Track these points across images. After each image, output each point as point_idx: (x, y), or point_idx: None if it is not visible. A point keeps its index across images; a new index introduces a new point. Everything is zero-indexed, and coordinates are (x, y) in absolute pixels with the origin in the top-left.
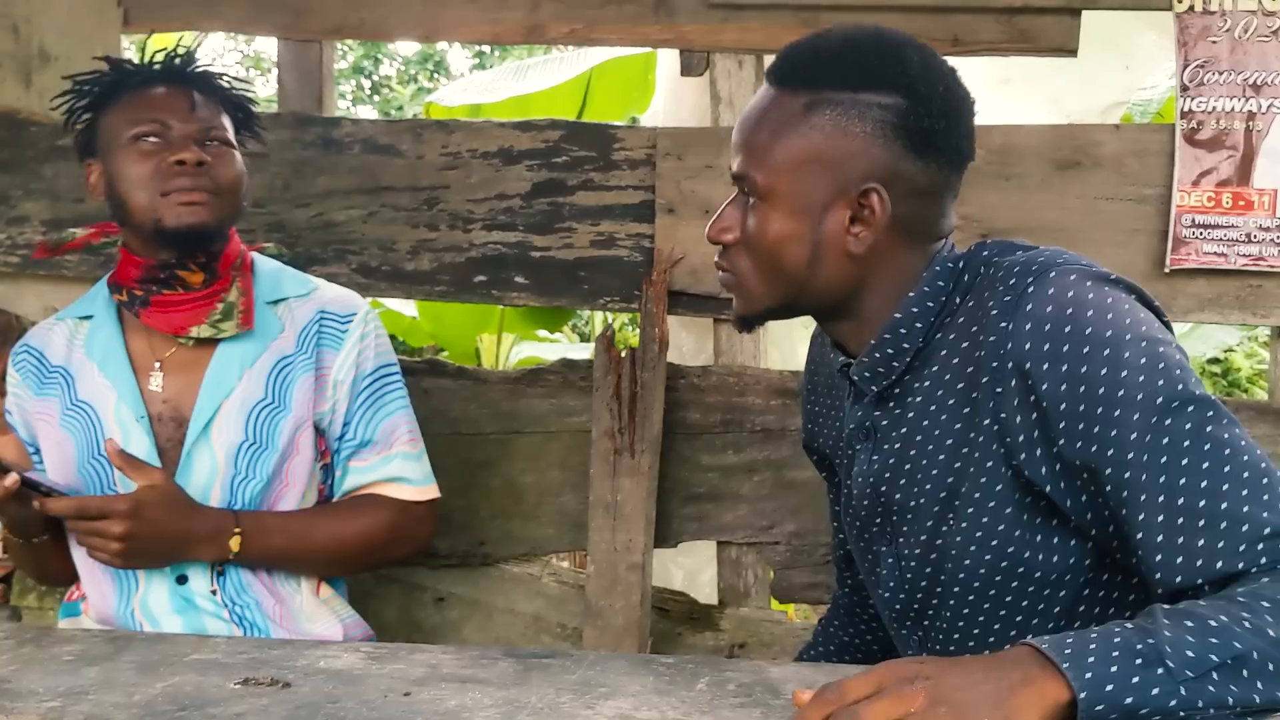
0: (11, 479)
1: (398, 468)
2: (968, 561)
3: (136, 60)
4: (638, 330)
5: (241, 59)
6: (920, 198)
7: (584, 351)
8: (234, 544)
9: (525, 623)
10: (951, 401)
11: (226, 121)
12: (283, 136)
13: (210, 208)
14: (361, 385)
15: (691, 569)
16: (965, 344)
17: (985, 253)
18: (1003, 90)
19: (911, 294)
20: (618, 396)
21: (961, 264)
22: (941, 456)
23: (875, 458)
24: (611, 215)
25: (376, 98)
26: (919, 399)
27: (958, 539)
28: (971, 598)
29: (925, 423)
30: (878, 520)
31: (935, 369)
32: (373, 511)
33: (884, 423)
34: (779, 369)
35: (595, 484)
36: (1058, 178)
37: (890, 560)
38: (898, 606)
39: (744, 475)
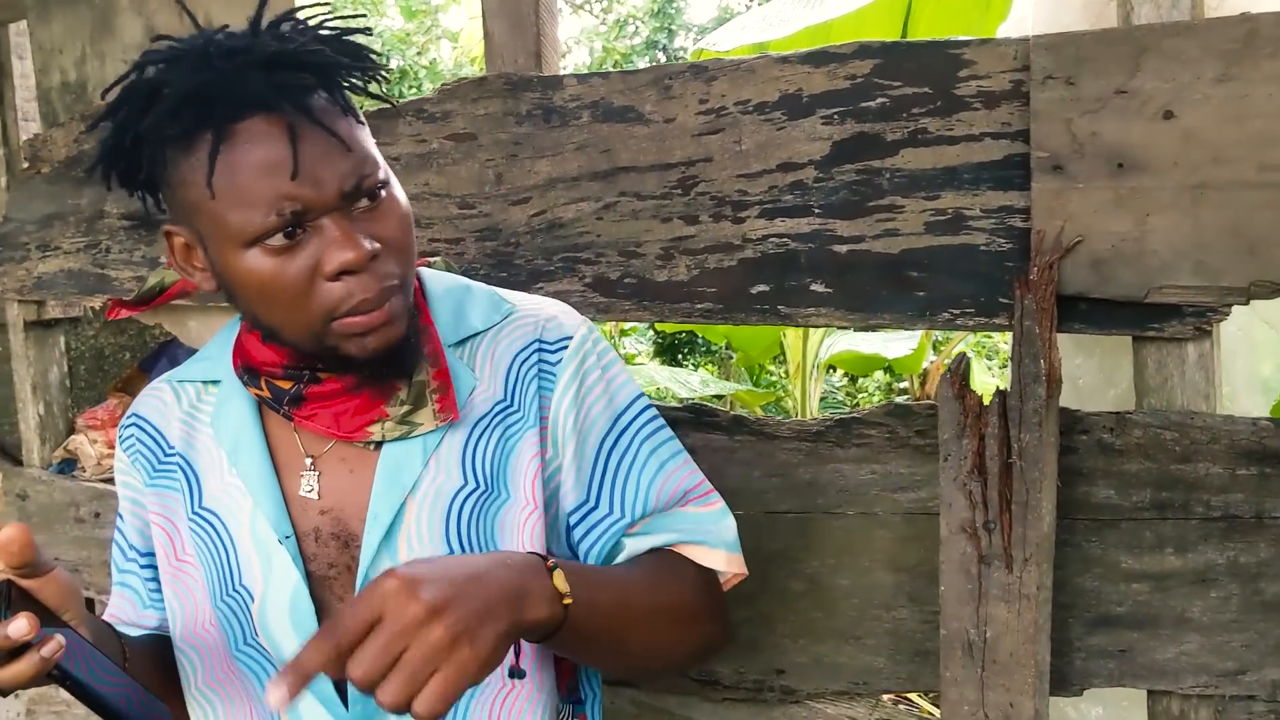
0: (51, 647)
1: (693, 526)
2: None
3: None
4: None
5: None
6: None
7: (909, 342)
8: (559, 581)
9: None
10: None
11: (364, 130)
12: (492, 110)
13: (401, 317)
14: (605, 442)
15: None
16: None
17: None
18: None
19: None
20: (980, 471)
21: None
22: None
23: None
24: (958, 182)
25: None
26: None
27: None
28: None
29: None
30: None
31: None
32: (680, 568)
33: None
34: (1247, 415)
35: (949, 609)
36: None
37: None
38: None
39: (1193, 588)
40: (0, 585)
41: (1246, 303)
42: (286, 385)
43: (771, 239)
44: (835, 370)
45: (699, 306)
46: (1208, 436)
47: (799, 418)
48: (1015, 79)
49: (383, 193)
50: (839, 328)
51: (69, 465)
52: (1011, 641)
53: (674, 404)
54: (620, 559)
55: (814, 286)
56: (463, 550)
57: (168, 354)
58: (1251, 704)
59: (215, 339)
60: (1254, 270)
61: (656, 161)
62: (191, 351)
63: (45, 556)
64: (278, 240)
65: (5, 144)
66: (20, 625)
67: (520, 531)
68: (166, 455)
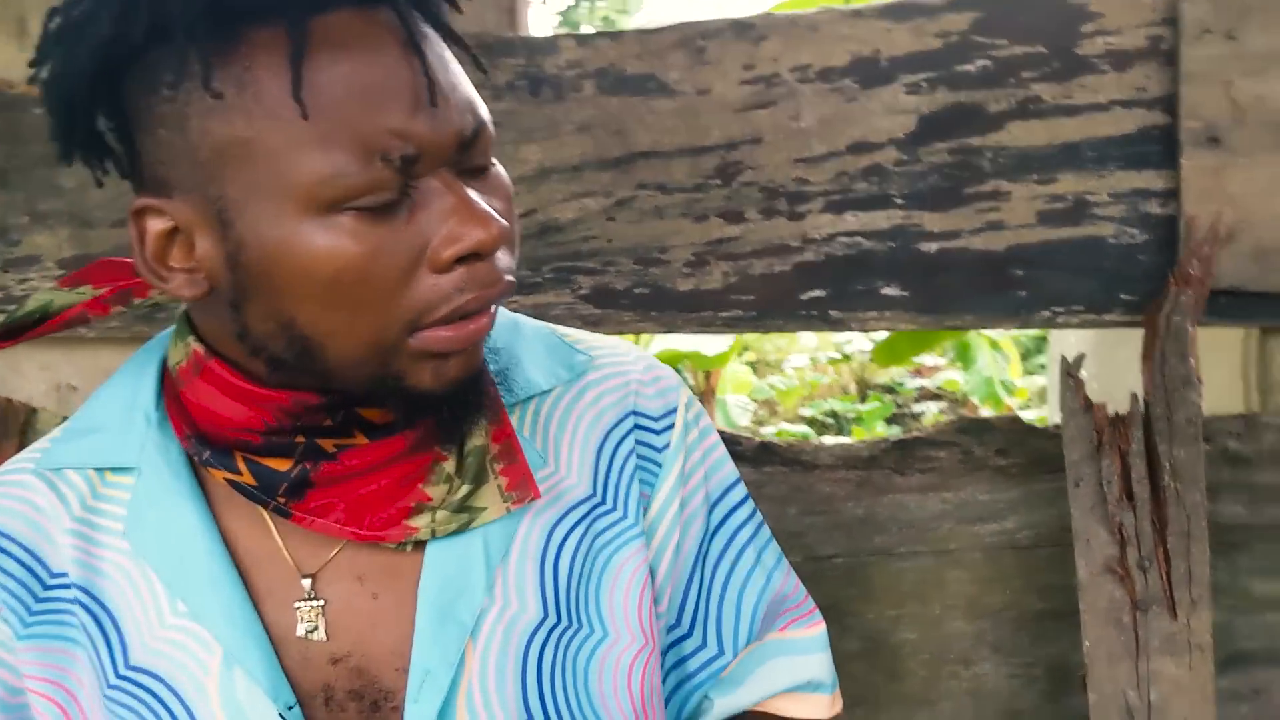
0: None
1: (797, 666)
2: None
3: None
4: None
5: None
6: None
7: (726, 340)
8: None
9: None
10: None
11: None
12: None
13: (487, 332)
14: (702, 547)
15: None
16: None
17: None
18: None
19: None
20: (1128, 497)
21: None
22: None
23: None
24: (1080, 161)
25: None
26: None
27: None
28: None
29: None
30: None
31: None
32: None
33: None
34: None
35: (1099, 670)
36: None
37: None
38: None
39: None
40: None
41: None
42: (281, 465)
43: (840, 238)
44: None
45: (723, 315)
46: None
47: (841, 440)
48: (1154, 34)
49: (494, 165)
50: (907, 330)
51: None
52: (1185, 703)
53: None
54: None
55: (886, 290)
56: (554, 712)
57: None
58: None
59: (99, 396)
60: None
61: (687, 145)
62: None
63: None
64: (375, 200)
65: None
66: None
67: (630, 681)
68: (47, 588)
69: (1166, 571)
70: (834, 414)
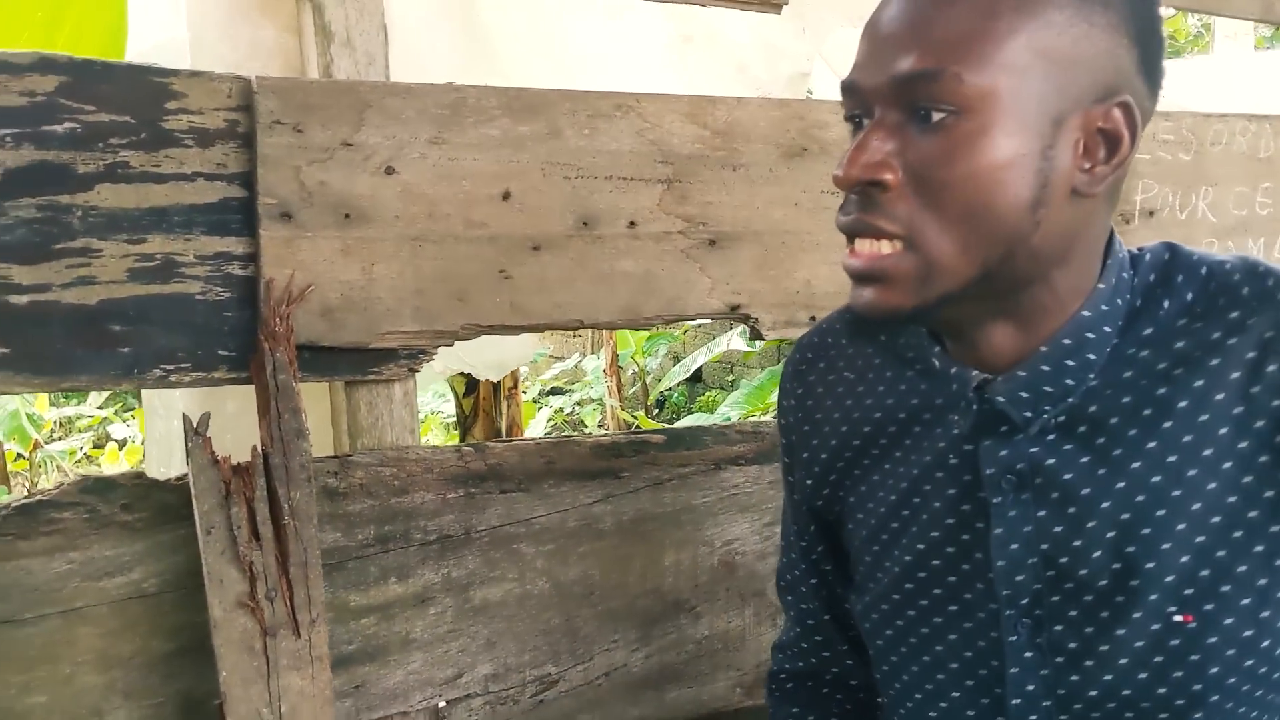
0: None
1: None
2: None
3: None
4: None
5: None
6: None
7: None
8: None
9: None
10: (1210, 451)
11: None
12: None
13: None
14: None
15: None
16: (1228, 372)
17: (1171, 255)
18: (685, 49)
19: (1102, 284)
20: (255, 537)
21: (1137, 256)
22: (1188, 525)
23: (1043, 513)
24: (168, 225)
25: None
26: (1134, 435)
27: (1213, 638)
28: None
29: (1158, 476)
30: (1024, 601)
31: (1163, 392)
32: None
33: (1059, 467)
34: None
35: (235, 694)
36: (785, 167)
37: (1030, 655)
38: None
39: (415, 610)
40: None
41: (452, 344)
42: None
43: None
44: None
45: None
46: (423, 467)
47: None
48: (231, 118)
49: None
50: (20, 393)
51: None
52: (309, 709)
53: None
54: None
55: None
56: None
57: None
58: (470, 701)
59: None
60: (464, 315)
61: None
62: None
63: None
64: None
65: None
66: None
67: None
68: None
69: (290, 598)
70: None
